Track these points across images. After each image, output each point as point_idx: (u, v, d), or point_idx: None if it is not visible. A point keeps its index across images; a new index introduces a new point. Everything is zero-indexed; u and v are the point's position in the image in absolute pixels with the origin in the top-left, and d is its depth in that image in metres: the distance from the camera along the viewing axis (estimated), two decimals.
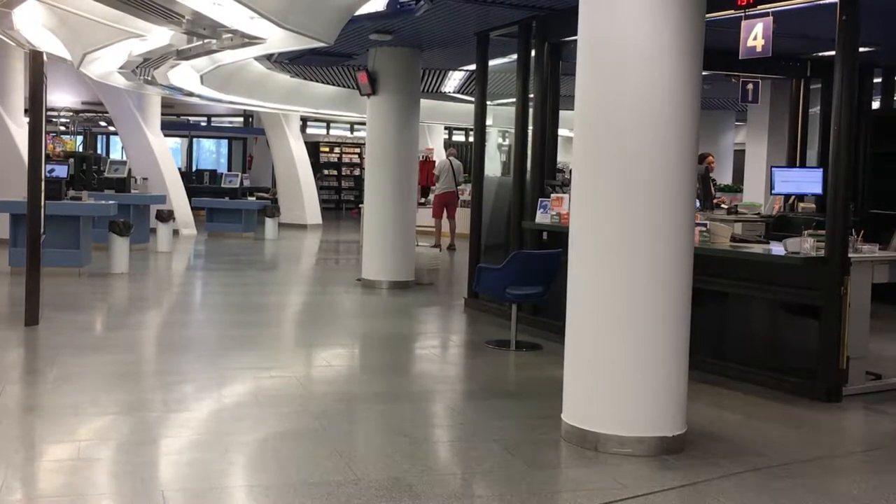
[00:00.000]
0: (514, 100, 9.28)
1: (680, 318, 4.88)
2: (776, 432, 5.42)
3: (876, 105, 11.78)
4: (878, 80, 11.22)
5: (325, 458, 4.61)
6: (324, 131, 29.07)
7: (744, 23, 6.24)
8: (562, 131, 9.44)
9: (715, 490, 4.35)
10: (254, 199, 19.73)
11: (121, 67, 12.68)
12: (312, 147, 25.95)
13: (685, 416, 4.98)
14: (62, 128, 24.89)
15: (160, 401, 5.74)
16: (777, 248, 6.54)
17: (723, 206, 11.37)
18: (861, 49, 6.13)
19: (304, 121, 25.88)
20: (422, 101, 11.96)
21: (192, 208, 18.56)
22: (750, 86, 10.29)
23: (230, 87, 15.63)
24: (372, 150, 11.51)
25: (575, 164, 5.04)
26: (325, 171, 27.68)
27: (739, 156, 18.22)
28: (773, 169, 10.56)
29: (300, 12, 7.66)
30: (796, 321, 6.67)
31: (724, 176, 19.21)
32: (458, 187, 16.61)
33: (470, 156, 14.27)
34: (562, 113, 8.96)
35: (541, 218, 8.38)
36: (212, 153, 30.44)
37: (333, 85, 16.73)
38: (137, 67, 12.48)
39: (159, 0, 7.15)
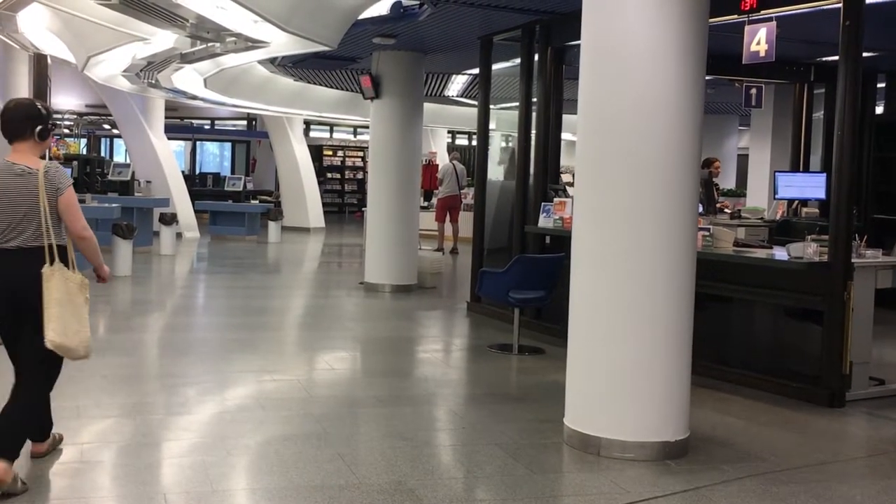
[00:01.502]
0: (517, 104, 9.29)
1: (683, 322, 4.88)
2: (779, 437, 5.41)
3: (879, 110, 11.77)
4: (881, 85, 11.21)
5: (327, 462, 4.61)
6: (327, 135, 29.09)
7: (747, 27, 6.25)
8: (565, 135, 9.44)
9: (717, 495, 4.34)
10: (257, 202, 19.76)
11: (125, 70, 12.72)
12: (316, 150, 25.96)
13: (688, 421, 4.98)
14: (66, 130, 24.94)
15: (162, 404, 5.74)
16: (780, 253, 6.53)
17: (726, 210, 11.36)
18: (864, 54, 6.12)
19: (308, 124, 25.90)
20: (425, 104, 11.96)
21: (196, 211, 18.58)
22: (753, 90, 10.29)
23: (234, 91, 15.66)
24: (375, 154, 11.51)
25: (578, 168, 5.04)
26: (329, 175, 27.68)
27: (743, 160, 18.22)
28: (776, 174, 10.56)
29: (304, 16, 7.68)
30: (799, 326, 6.66)
31: (728, 180, 19.19)
32: (462, 191, 16.62)
33: (473, 159, 14.27)
34: (565, 117, 8.96)
35: (543, 222, 8.38)
36: (215, 156, 30.48)
37: (337, 88, 16.75)
38: (141, 70, 12.52)
39: (163, 4, 7.17)
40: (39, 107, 4.34)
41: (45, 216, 4.13)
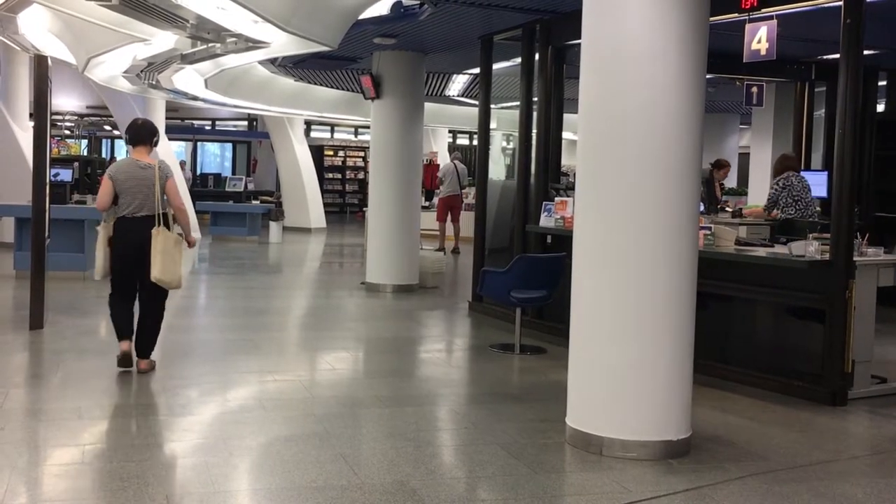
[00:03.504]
0: (518, 103, 9.28)
1: (684, 321, 4.87)
2: (781, 436, 5.41)
3: (881, 108, 11.76)
4: (882, 83, 11.20)
5: (329, 462, 4.61)
6: (328, 135, 29.09)
7: (748, 26, 6.24)
8: (566, 134, 9.42)
9: (720, 494, 4.34)
10: (258, 202, 19.74)
11: (125, 71, 12.71)
12: (317, 151, 25.95)
13: (690, 420, 4.97)
14: (67, 132, 24.95)
15: (164, 405, 5.74)
16: (782, 252, 6.52)
17: (727, 209, 11.34)
18: (865, 52, 6.12)
19: (309, 124, 25.89)
20: (426, 104, 11.96)
21: (197, 212, 18.57)
22: (754, 89, 10.28)
23: (234, 91, 15.65)
24: (376, 154, 11.51)
25: (579, 167, 5.04)
26: (329, 175, 27.66)
27: (744, 159, 18.20)
28: None
29: (304, 16, 7.67)
30: (801, 325, 6.65)
31: (729, 179, 19.15)
32: (463, 190, 16.61)
33: (474, 159, 14.28)
34: (566, 116, 8.96)
35: (545, 221, 8.37)
36: (216, 157, 30.47)
37: (337, 88, 16.75)
38: (142, 71, 12.51)
39: (164, 5, 7.16)
40: (154, 124, 6.84)
41: (158, 195, 6.29)
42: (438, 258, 12.73)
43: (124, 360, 6.42)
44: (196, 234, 7.05)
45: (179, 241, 6.38)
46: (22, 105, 15.33)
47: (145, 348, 6.51)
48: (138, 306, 6.50)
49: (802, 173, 9.57)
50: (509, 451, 4.91)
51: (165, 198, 6.38)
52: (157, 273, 6.19)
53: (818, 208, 9.47)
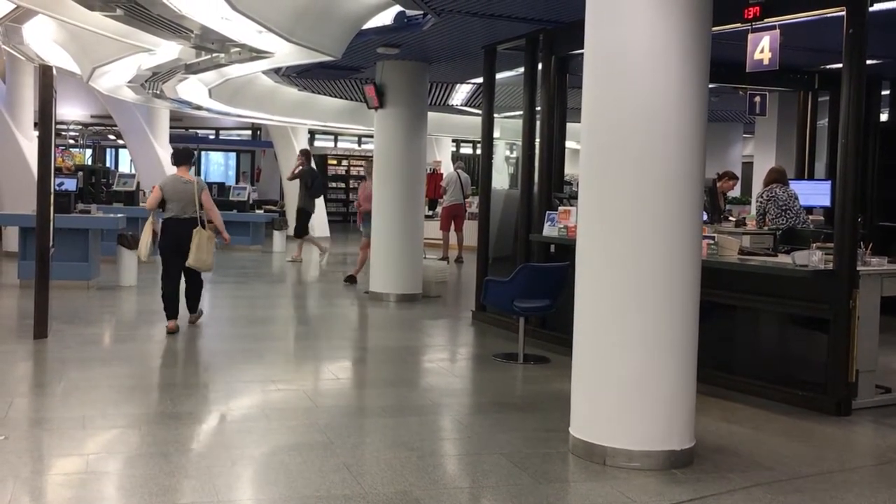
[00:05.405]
0: (521, 112, 9.30)
1: (688, 330, 4.87)
2: (785, 446, 5.40)
3: (884, 117, 11.77)
4: (885, 92, 11.21)
5: (333, 472, 4.61)
6: (331, 144, 29.14)
7: (751, 36, 6.25)
8: (569, 144, 9.43)
9: None
10: (262, 211, 19.76)
11: (130, 81, 12.78)
12: (320, 160, 25.99)
13: (693, 430, 4.97)
14: (71, 141, 25.01)
15: (168, 414, 5.74)
16: (785, 261, 6.52)
17: (730, 218, 11.33)
18: (868, 61, 6.12)
19: (312, 134, 25.94)
20: (429, 113, 11.97)
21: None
22: (757, 98, 10.28)
23: (238, 101, 15.71)
24: (379, 163, 11.52)
25: (582, 176, 5.04)
26: (333, 184, 27.69)
27: (747, 168, 18.21)
28: None
29: (307, 26, 7.71)
30: (805, 334, 6.65)
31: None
32: (466, 199, 16.61)
33: (478, 168, 14.28)
34: (569, 125, 8.97)
35: (548, 230, 8.38)
36: (220, 166, 30.54)
37: (341, 98, 16.79)
38: (146, 81, 12.56)
39: (168, 15, 7.20)
40: (190, 149, 9.07)
41: (197, 203, 8.40)
42: (442, 267, 12.73)
43: (170, 332, 8.40)
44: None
45: (212, 237, 8.53)
46: (27, 115, 15.39)
47: (192, 306, 8.81)
48: (183, 280, 8.64)
49: (803, 182, 9.58)
50: (513, 460, 4.90)
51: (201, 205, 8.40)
52: (191, 261, 8.37)
53: (809, 217, 9.47)
